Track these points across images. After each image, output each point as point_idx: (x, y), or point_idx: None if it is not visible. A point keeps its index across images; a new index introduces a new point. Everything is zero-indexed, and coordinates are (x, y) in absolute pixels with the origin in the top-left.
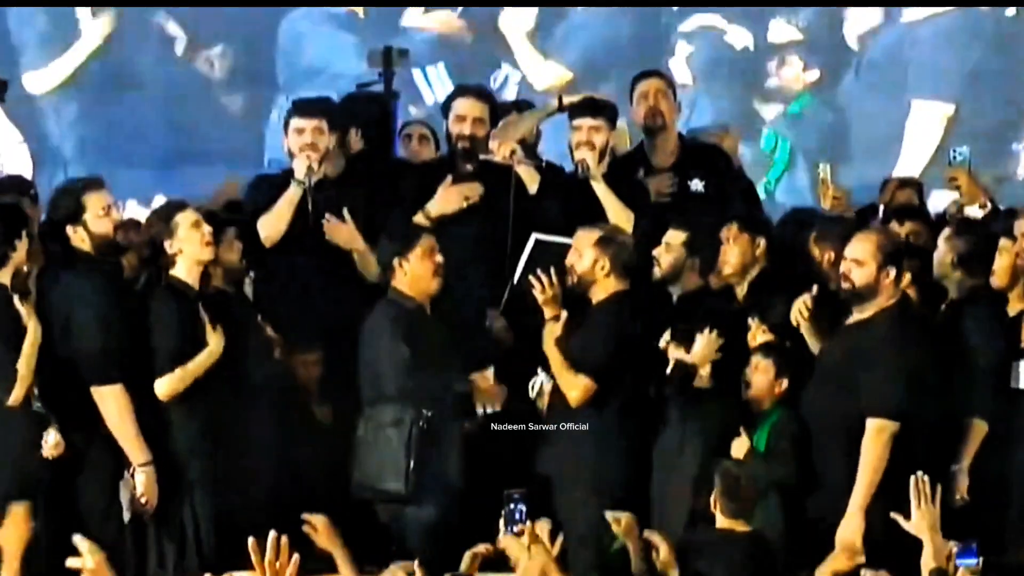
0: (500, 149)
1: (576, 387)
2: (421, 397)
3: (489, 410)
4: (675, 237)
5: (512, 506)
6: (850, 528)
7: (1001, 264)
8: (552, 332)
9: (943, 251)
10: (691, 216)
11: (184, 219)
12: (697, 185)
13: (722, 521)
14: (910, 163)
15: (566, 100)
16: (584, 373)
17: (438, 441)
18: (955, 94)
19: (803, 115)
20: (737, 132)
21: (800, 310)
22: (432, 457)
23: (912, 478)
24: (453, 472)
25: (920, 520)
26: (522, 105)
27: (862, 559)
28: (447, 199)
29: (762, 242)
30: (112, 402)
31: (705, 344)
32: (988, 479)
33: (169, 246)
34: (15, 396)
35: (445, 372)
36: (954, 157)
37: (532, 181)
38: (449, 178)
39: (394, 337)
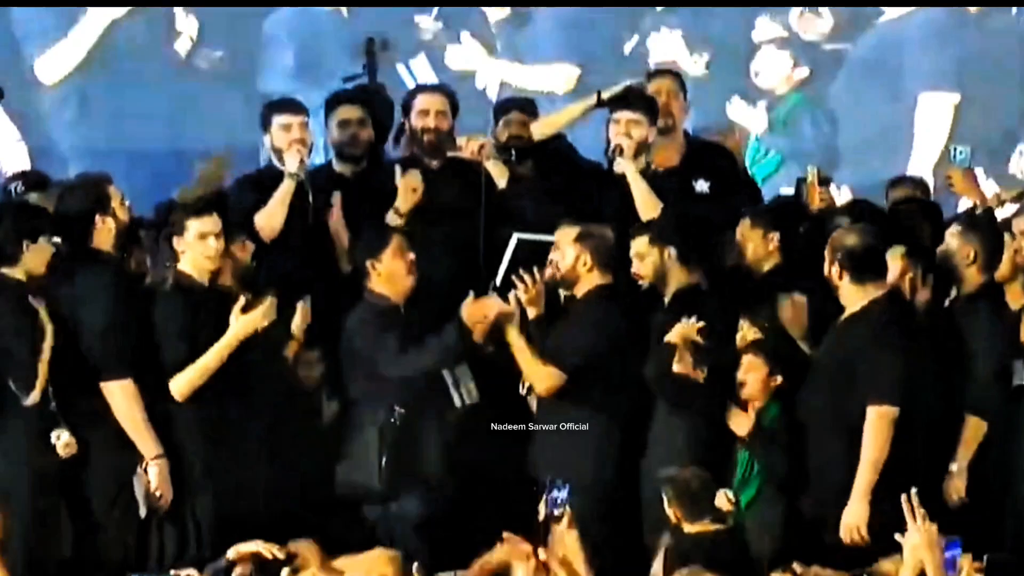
0: (468, 144)
1: (544, 379)
2: (403, 389)
3: (468, 400)
4: (639, 244)
5: (556, 492)
6: (854, 514)
7: (1004, 258)
8: (514, 326)
9: (955, 247)
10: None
11: (193, 226)
12: (702, 185)
13: (690, 527)
14: (922, 157)
15: (605, 94)
16: (556, 366)
17: (415, 437)
18: (958, 85)
19: (792, 116)
20: (740, 132)
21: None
22: (409, 453)
23: (903, 496)
24: (433, 467)
25: (917, 538)
26: (523, 103)
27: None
28: (403, 195)
29: (775, 237)
30: (121, 397)
31: (681, 328)
32: (988, 477)
33: (177, 243)
34: (34, 396)
35: (407, 384)
36: (954, 156)
37: (501, 176)
38: (397, 169)
39: (375, 332)
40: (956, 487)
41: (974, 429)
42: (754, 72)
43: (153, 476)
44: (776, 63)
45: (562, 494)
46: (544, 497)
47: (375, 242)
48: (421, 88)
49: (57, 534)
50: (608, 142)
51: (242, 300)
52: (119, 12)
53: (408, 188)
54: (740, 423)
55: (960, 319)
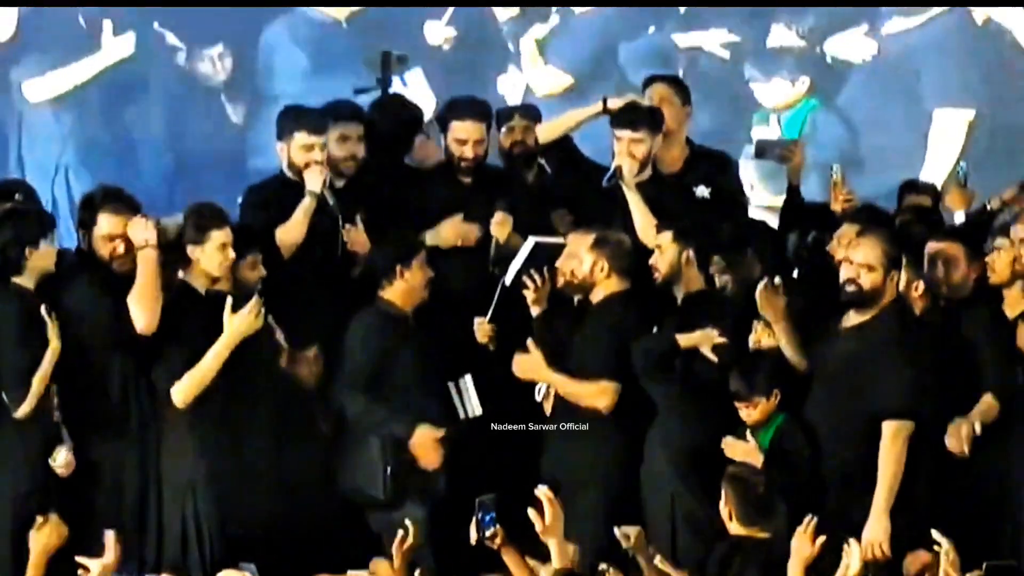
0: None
1: (601, 394)
2: (407, 400)
3: (471, 414)
4: (664, 238)
5: (483, 513)
6: (877, 530)
7: (1001, 261)
8: (545, 367)
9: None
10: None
11: (216, 237)
12: (703, 191)
13: (738, 528)
14: (934, 171)
15: (611, 104)
16: (603, 377)
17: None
18: (973, 100)
19: (805, 124)
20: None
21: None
22: (413, 462)
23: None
24: (437, 477)
25: None
26: (526, 108)
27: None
28: (446, 234)
29: (748, 251)
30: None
31: (702, 335)
32: (991, 479)
33: (191, 251)
34: (23, 410)
35: (409, 395)
36: (958, 172)
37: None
38: (459, 217)
39: (371, 347)
40: (964, 434)
41: (989, 405)
42: (763, 78)
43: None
44: (785, 71)
45: (489, 516)
46: (473, 520)
47: (407, 249)
48: (459, 112)
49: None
50: (613, 154)
51: (230, 301)
52: (120, 54)
53: (458, 236)
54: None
55: (959, 325)
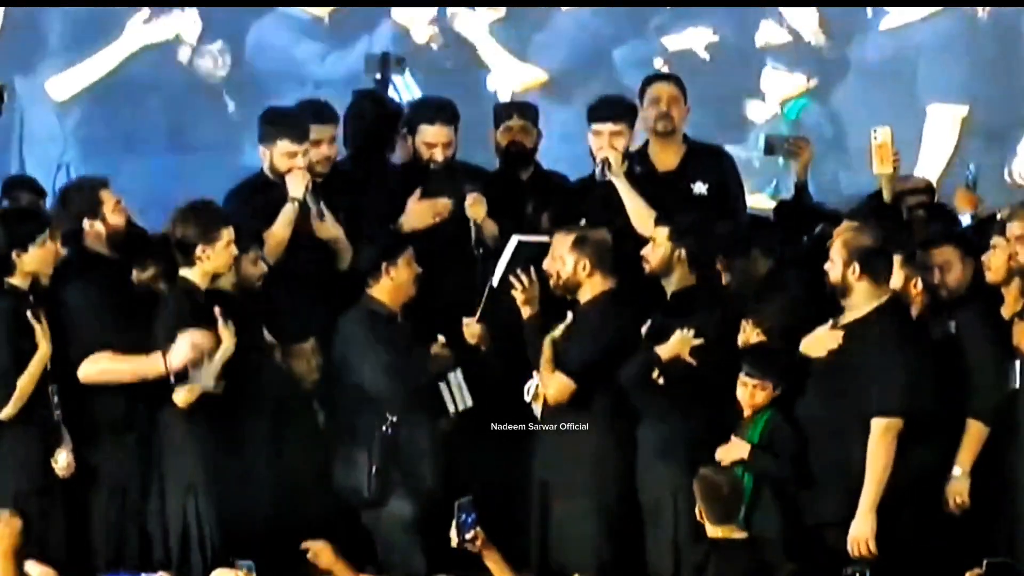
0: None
1: (553, 385)
2: (392, 401)
3: (461, 406)
4: (659, 233)
5: (464, 516)
6: (863, 528)
7: (996, 261)
8: (549, 331)
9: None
10: (679, 214)
11: (225, 236)
12: (700, 188)
13: (713, 530)
14: (927, 167)
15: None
16: (564, 372)
17: (407, 445)
18: (967, 95)
19: (798, 120)
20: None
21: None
22: (401, 461)
23: None
24: (426, 474)
25: None
26: (523, 107)
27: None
28: (418, 214)
29: (754, 250)
30: (95, 367)
31: (679, 340)
32: (986, 481)
33: (200, 251)
34: (7, 411)
35: (415, 375)
36: (967, 174)
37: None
38: (417, 192)
39: (367, 343)
40: (958, 491)
41: (976, 434)
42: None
43: (185, 348)
44: (778, 69)
45: (470, 518)
46: (454, 523)
47: (392, 247)
48: (428, 116)
49: (47, 535)
50: (591, 150)
51: (219, 311)
52: (138, 44)
53: (432, 212)
54: (731, 451)
55: (956, 323)
